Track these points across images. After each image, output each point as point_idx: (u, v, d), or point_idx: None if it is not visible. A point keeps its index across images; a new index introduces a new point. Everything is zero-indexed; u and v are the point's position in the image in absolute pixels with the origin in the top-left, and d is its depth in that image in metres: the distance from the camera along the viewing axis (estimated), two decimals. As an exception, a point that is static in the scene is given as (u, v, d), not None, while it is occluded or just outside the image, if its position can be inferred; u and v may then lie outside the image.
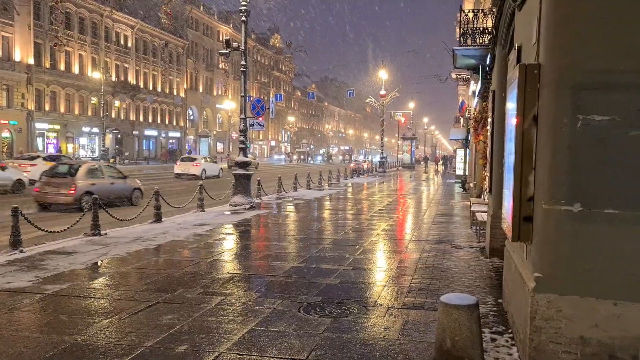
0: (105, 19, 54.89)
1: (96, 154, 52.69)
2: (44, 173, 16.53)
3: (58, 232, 9.99)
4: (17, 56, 44.31)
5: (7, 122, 43.55)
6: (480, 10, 15.08)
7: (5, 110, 43.29)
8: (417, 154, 73.50)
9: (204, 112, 76.95)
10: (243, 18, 16.41)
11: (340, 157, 57.17)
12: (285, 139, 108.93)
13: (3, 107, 43.24)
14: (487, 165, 10.72)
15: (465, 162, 26.71)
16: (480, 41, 14.01)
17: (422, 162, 61.94)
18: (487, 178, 11.42)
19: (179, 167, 32.19)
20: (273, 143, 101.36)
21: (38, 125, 47.05)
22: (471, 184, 20.43)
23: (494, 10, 11.52)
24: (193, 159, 33.24)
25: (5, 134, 44.37)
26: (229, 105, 74.28)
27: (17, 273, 7.37)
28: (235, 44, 17.18)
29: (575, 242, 4.07)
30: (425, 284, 7.28)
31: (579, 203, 4.03)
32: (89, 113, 53.69)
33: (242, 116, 17.08)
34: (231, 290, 6.77)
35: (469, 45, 14.16)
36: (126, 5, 58.36)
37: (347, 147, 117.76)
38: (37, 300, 6.16)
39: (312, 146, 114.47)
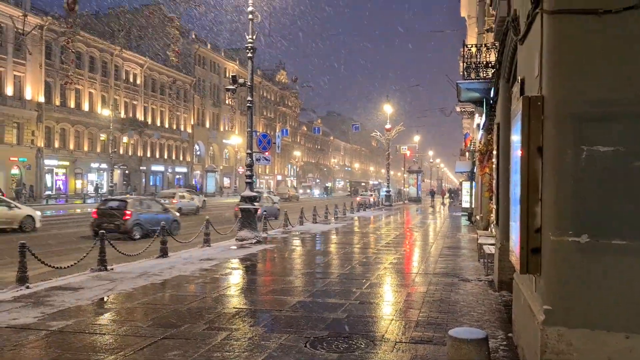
0: (115, 57, 55.99)
1: (104, 190, 52.98)
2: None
3: (65, 267, 9.97)
4: (28, 94, 45.11)
5: (17, 159, 44.02)
6: (484, 45, 15.30)
7: (15, 148, 43.82)
8: (423, 187, 73.42)
9: (211, 147, 77.55)
10: (249, 54, 16.72)
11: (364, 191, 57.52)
12: (292, 174, 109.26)
13: (13, 145, 43.78)
14: (494, 198, 10.70)
15: (471, 195, 26.64)
16: (484, 75, 14.16)
17: (429, 195, 61.82)
18: (493, 210, 11.38)
19: None
20: (279, 177, 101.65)
21: (47, 161, 47.51)
22: (478, 217, 20.33)
23: (496, 44, 11.67)
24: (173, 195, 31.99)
25: (15, 170, 44.79)
26: (236, 140, 74.88)
27: (22, 309, 7.35)
28: (241, 80, 17.44)
29: (583, 273, 4.03)
30: (433, 318, 7.19)
31: (586, 234, 4.01)
32: (98, 149, 54.22)
33: (249, 151, 17.21)
34: (237, 325, 6.71)
35: (473, 79, 14.31)
36: (135, 45, 59.60)
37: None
38: (42, 337, 6.12)
39: (318, 180, 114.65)
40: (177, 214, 19.82)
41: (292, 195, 61.43)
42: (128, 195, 25.41)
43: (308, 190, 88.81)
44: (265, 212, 20.69)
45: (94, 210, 19.18)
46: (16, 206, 20.53)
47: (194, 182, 69.23)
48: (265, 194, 33.25)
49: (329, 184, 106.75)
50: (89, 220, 18.93)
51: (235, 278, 10.73)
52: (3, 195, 29.91)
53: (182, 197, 32.62)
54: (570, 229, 4.05)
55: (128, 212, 17.86)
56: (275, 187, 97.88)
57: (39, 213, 21.36)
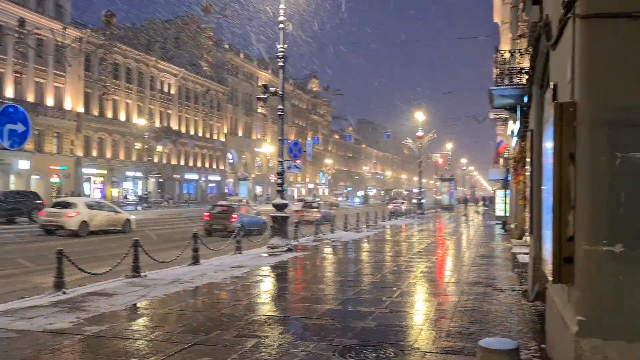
0: (151, 68, 57.29)
1: (134, 198, 54.03)
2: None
3: (100, 274, 10.19)
4: (67, 105, 46.52)
5: (56, 167, 45.39)
6: (517, 50, 15.10)
7: (55, 157, 45.19)
8: (455, 195, 72.51)
9: (243, 156, 78.39)
10: (281, 63, 16.85)
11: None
12: (323, 182, 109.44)
13: (53, 154, 45.16)
14: (528, 206, 10.50)
15: (505, 203, 26.16)
16: (518, 81, 13.97)
17: (461, 204, 61.01)
18: (527, 219, 11.16)
19: None
20: (311, 186, 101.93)
21: (85, 170, 48.80)
22: (512, 225, 19.97)
23: (529, 50, 11.50)
24: (67, 205, 27.37)
25: (55, 179, 46.16)
26: (268, 148, 75.53)
27: (58, 314, 7.53)
28: (273, 89, 17.58)
29: (618, 283, 3.92)
30: (465, 327, 7.08)
31: (620, 243, 3.90)
32: (133, 158, 55.42)
33: (280, 159, 17.31)
34: (266, 333, 6.73)
35: (506, 85, 14.14)
36: (170, 56, 60.83)
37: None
38: (77, 341, 6.27)
39: (349, 188, 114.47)
40: (265, 218, 22.66)
41: (333, 203, 61.77)
42: (234, 200, 28.34)
43: (340, 198, 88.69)
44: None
45: (206, 213, 22.77)
46: (119, 211, 23.72)
47: (226, 190, 70.04)
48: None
49: (361, 193, 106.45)
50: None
51: (265, 285, 10.79)
52: (43, 203, 30.80)
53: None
54: (604, 238, 3.94)
55: (234, 216, 21.56)
56: (309, 194, 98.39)
57: (133, 217, 24.36)
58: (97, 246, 17.76)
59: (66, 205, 22.07)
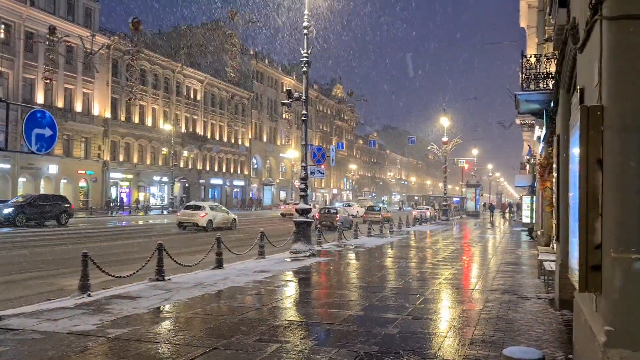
0: (177, 74, 58.05)
1: (165, 202, 54.71)
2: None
3: (124, 277, 10.31)
4: (95, 110, 47.39)
5: (84, 172, 46.23)
6: (543, 55, 14.86)
7: (82, 161, 46.04)
8: (481, 201, 71.55)
9: (268, 161, 78.76)
10: (304, 69, 16.91)
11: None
12: (347, 187, 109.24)
13: (81, 158, 46.02)
14: (554, 213, 10.30)
15: (532, 210, 25.75)
16: (544, 86, 13.74)
17: (487, 210, 60.11)
18: (554, 226, 10.95)
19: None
20: (335, 191, 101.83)
21: (112, 174, 49.60)
22: (539, 232, 19.62)
23: (556, 54, 11.31)
24: (198, 207, 28.71)
25: (82, 183, 47.02)
26: (292, 154, 75.76)
27: (83, 316, 7.63)
28: (297, 94, 17.64)
29: (648, 292, 3.79)
30: (489, 336, 6.95)
31: (650, 251, 3.77)
32: (159, 163, 56.13)
33: (303, 164, 17.33)
34: (288, 338, 6.71)
35: (532, 90, 13.91)
36: (196, 62, 61.56)
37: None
38: (100, 344, 6.33)
39: (373, 194, 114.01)
40: (351, 217, 32.46)
41: (306, 209, 61.52)
42: (338, 204, 44.49)
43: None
44: (340, 223, 26.82)
45: (318, 213, 31.32)
46: (229, 212, 30.06)
47: (251, 195, 70.42)
48: (340, 206, 43.12)
49: (385, 198, 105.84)
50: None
51: (288, 290, 10.78)
52: (71, 206, 31.37)
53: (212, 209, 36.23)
54: (633, 245, 3.82)
55: (338, 216, 30.37)
56: (330, 200, 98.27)
57: (237, 217, 30.28)
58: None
59: (197, 207, 28.11)
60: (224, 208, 30.90)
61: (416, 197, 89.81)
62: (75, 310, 8.03)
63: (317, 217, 28.71)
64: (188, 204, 31.31)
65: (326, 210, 33.28)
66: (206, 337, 6.68)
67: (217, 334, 6.80)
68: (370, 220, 29.87)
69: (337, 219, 29.08)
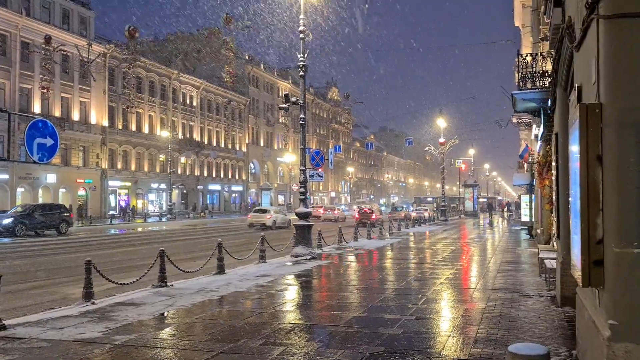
0: (173, 81, 58.11)
1: (163, 209, 54.67)
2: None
3: (127, 284, 10.32)
4: (92, 119, 47.40)
5: (83, 180, 46.20)
6: (539, 54, 14.94)
7: (81, 170, 46.01)
8: (479, 201, 71.59)
9: (265, 166, 78.78)
10: (301, 73, 16.96)
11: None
12: (345, 190, 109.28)
13: (80, 167, 45.99)
14: (554, 210, 10.35)
15: (531, 208, 25.82)
16: (540, 84, 13.81)
17: (485, 210, 60.23)
18: (554, 223, 11.00)
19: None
20: (333, 194, 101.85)
21: (111, 182, 49.57)
22: (538, 230, 19.67)
23: (552, 52, 11.39)
24: (265, 211, 37.38)
25: (81, 192, 46.98)
26: (290, 158, 75.81)
27: (88, 324, 7.65)
28: (294, 99, 17.70)
29: (650, 286, 3.84)
30: (493, 334, 6.99)
31: (652, 245, 3.82)
32: (157, 170, 56.13)
33: (302, 168, 17.37)
34: (293, 341, 6.74)
35: (529, 89, 13.98)
36: (192, 67, 61.59)
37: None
38: (106, 351, 6.36)
39: (372, 196, 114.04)
40: (381, 216, 40.56)
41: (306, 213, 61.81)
42: (374, 205, 52.38)
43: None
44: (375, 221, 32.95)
45: (357, 214, 39.11)
46: (286, 214, 37.25)
47: (249, 200, 70.39)
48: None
49: (384, 200, 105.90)
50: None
51: (290, 294, 10.81)
52: (70, 215, 31.36)
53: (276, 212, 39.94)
54: (634, 240, 3.87)
55: (374, 216, 36.86)
56: (329, 204, 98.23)
57: (291, 218, 32.71)
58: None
59: (264, 211, 36.17)
60: (284, 211, 39.68)
61: (429, 199, 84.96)
62: (80, 318, 8.05)
63: (356, 217, 37.61)
64: (257, 208, 40.27)
65: (362, 210, 39.73)
66: (211, 341, 6.70)
67: (222, 339, 6.82)
68: (394, 218, 39.95)
69: (373, 217, 35.73)
